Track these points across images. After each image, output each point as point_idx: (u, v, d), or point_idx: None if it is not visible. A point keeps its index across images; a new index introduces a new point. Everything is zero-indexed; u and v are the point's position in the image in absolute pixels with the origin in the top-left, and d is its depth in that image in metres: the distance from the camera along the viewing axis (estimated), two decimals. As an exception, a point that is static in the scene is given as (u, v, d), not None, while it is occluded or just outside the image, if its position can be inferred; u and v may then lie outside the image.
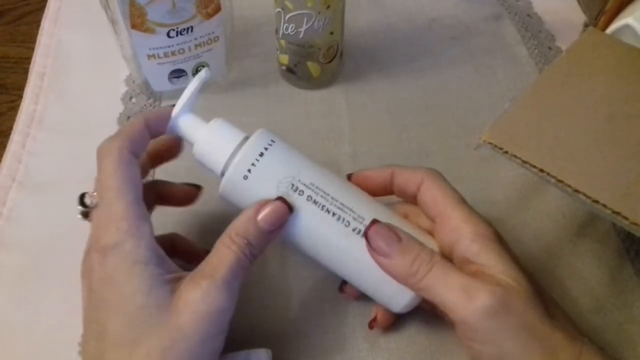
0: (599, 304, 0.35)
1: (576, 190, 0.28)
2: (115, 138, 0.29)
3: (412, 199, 0.32)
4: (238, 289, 0.27)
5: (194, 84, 0.30)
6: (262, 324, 0.34)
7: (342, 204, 0.29)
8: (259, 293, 0.35)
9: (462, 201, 0.30)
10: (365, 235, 0.29)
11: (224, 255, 0.27)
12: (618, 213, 0.27)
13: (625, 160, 0.29)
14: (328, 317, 0.34)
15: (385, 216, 0.30)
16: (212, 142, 0.30)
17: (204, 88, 0.31)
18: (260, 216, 0.28)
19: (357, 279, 0.31)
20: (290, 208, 0.29)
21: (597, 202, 0.27)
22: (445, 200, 0.30)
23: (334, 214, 0.29)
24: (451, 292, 0.27)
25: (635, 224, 0.26)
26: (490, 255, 0.28)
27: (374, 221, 0.29)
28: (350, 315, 0.34)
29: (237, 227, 0.28)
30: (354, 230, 0.29)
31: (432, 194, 0.30)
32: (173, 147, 0.33)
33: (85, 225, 0.39)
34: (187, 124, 0.31)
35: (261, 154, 0.29)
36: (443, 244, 0.30)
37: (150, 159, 0.33)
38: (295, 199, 0.29)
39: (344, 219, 0.29)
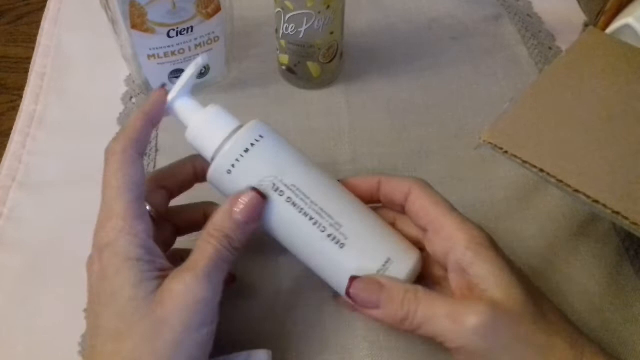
0: (598, 304, 0.35)
1: (576, 190, 0.28)
2: (119, 139, 0.29)
3: (399, 209, 0.32)
4: (221, 281, 0.28)
5: (191, 68, 0.31)
6: (262, 324, 0.34)
7: (321, 209, 0.29)
8: (259, 294, 0.35)
9: (453, 209, 0.30)
10: (348, 295, 0.29)
11: (204, 249, 0.28)
12: (618, 213, 0.27)
13: (625, 160, 0.29)
14: (328, 317, 0.34)
15: (368, 222, 0.30)
16: (204, 128, 0.30)
17: (205, 83, 0.31)
18: (235, 209, 0.29)
19: (330, 280, 0.31)
20: (263, 197, 0.29)
21: (597, 202, 0.27)
22: (436, 208, 0.30)
23: (311, 218, 0.29)
24: (440, 323, 0.27)
25: (635, 224, 0.26)
26: (483, 264, 0.28)
27: (352, 279, 0.29)
28: (350, 315, 0.34)
29: (214, 223, 0.28)
30: (329, 236, 0.29)
31: (421, 203, 0.30)
32: None
33: (85, 225, 0.39)
34: (184, 108, 0.31)
35: (246, 150, 0.29)
36: (436, 252, 0.30)
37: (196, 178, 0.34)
38: (275, 199, 0.29)
39: (320, 224, 0.29)
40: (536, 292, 0.28)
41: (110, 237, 0.27)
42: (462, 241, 0.28)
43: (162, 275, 0.27)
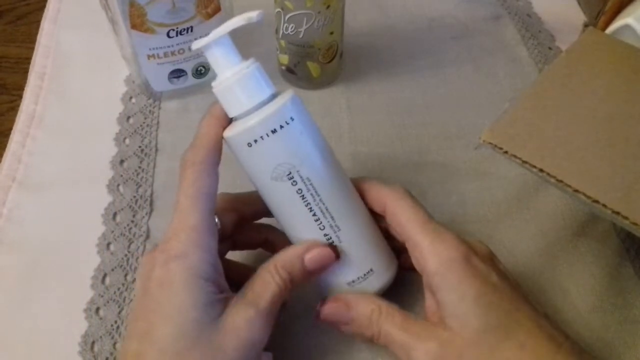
0: (599, 304, 0.35)
1: (576, 190, 0.28)
2: (196, 148, 0.29)
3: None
4: (274, 319, 0.28)
5: (241, 20, 0.28)
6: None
7: (327, 209, 0.30)
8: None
9: (427, 222, 0.29)
10: (318, 318, 0.31)
11: (267, 284, 0.28)
12: (618, 213, 0.27)
13: (625, 160, 0.29)
14: (328, 317, 0.34)
15: (364, 231, 0.31)
16: (235, 85, 0.29)
17: (205, 83, 0.30)
18: (307, 256, 0.29)
19: None
20: (337, 256, 0.30)
21: (597, 202, 0.27)
22: (409, 224, 0.30)
23: (314, 214, 0.30)
24: (396, 350, 0.29)
25: (635, 224, 0.26)
26: (446, 292, 0.28)
27: (322, 302, 0.31)
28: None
29: (284, 260, 0.29)
30: (325, 235, 0.30)
31: (396, 220, 0.30)
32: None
33: (85, 225, 0.39)
34: (219, 55, 0.29)
35: (273, 131, 0.28)
36: (416, 267, 0.30)
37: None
38: (286, 186, 0.29)
39: (321, 222, 0.30)
40: (505, 315, 0.27)
41: (183, 247, 0.27)
42: (432, 265, 0.28)
43: (222, 299, 0.27)
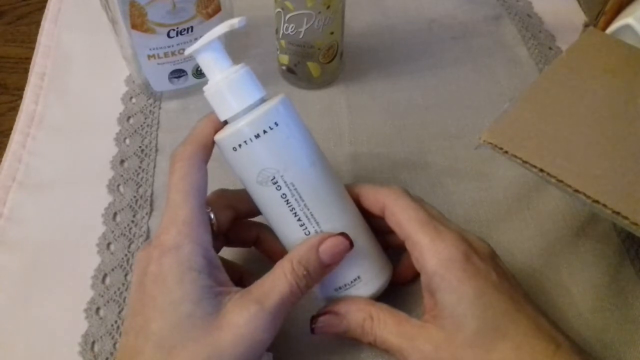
0: (599, 304, 0.35)
1: (576, 190, 0.28)
2: (187, 144, 0.29)
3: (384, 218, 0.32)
4: (282, 321, 0.28)
5: (224, 27, 0.29)
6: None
7: (312, 214, 0.30)
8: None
9: (427, 221, 0.29)
10: (314, 332, 0.31)
11: (279, 282, 0.28)
12: (618, 213, 0.27)
13: (625, 160, 0.29)
14: (328, 317, 0.34)
15: (352, 236, 0.30)
16: (225, 89, 0.29)
17: (205, 82, 0.30)
18: (321, 247, 0.29)
19: None
20: (351, 245, 0.29)
21: (597, 202, 0.27)
22: (409, 224, 0.30)
23: (299, 219, 0.30)
24: (393, 353, 0.29)
25: (635, 224, 0.26)
26: (444, 293, 0.28)
27: (312, 318, 0.31)
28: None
29: (300, 255, 0.28)
30: None
31: (395, 220, 0.30)
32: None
33: (85, 225, 0.39)
34: (211, 60, 0.30)
35: (257, 136, 0.28)
36: (416, 265, 0.30)
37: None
38: (270, 191, 0.29)
39: (306, 227, 0.30)
40: (502, 315, 0.27)
41: (176, 241, 0.27)
42: (431, 265, 0.28)
43: (221, 292, 0.27)
